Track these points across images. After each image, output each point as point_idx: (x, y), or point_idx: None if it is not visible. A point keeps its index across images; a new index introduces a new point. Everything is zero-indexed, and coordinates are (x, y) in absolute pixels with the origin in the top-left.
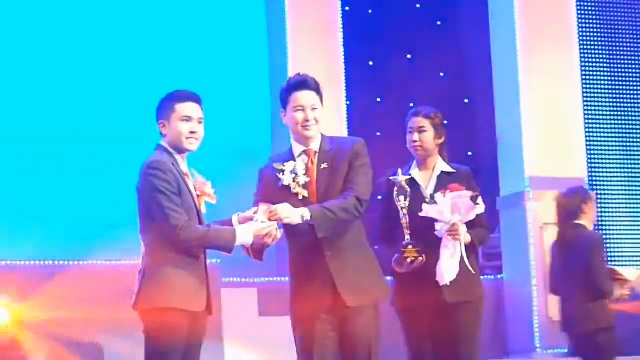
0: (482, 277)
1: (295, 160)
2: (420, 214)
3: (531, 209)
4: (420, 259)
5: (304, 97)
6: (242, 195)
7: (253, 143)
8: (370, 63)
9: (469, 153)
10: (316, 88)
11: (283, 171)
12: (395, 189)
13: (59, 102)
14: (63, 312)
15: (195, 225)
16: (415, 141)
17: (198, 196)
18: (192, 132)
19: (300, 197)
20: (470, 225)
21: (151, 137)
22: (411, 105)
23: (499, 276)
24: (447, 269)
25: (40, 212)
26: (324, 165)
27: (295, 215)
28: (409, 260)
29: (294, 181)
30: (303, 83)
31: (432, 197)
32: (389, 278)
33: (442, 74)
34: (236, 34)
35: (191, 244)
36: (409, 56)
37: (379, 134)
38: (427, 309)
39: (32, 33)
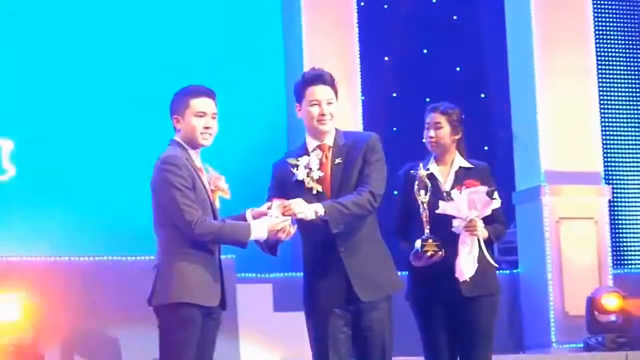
0: (498, 271)
1: (309, 155)
2: (437, 211)
3: (547, 203)
4: (440, 253)
5: (319, 91)
6: (257, 190)
7: (268, 138)
8: (386, 58)
9: (485, 147)
10: (331, 82)
11: (297, 166)
12: (416, 182)
13: (76, 99)
14: (78, 308)
15: (210, 220)
16: (432, 137)
17: (212, 191)
18: (206, 128)
19: (315, 192)
20: (486, 220)
21: (166, 132)
22: (427, 100)
23: (515, 271)
24: (466, 265)
25: (56, 207)
26: (338, 160)
27: (308, 210)
28: (428, 254)
29: (307, 176)
30: (318, 77)
31: (448, 193)
32: (404, 273)
33: (458, 69)
34: (252, 29)
35: (206, 238)
36: (425, 51)
37: (395, 129)
38: (443, 302)
39: (45, 26)
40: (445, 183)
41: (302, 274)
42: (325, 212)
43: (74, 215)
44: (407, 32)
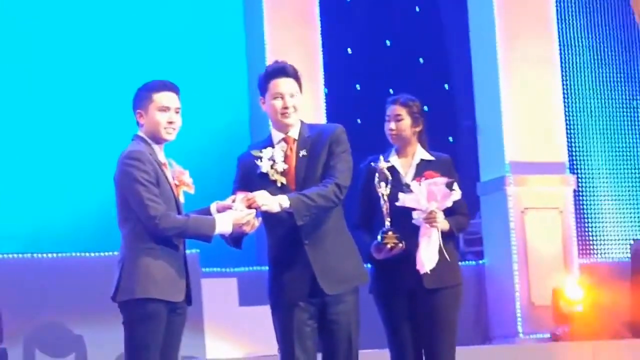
0: (463, 262)
1: (274, 148)
2: (397, 203)
3: (512, 194)
4: (400, 245)
5: (282, 84)
6: (221, 183)
7: (231, 131)
8: (349, 50)
9: (450, 139)
10: (295, 75)
11: (261, 158)
12: (377, 175)
13: (34, 95)
14: (41, 306)
15: (174, 215)
16: (392, 129)
17: (176, 186)
18: (169, 122)
19: (279, 185)
20: (448, 212)
21: (129, 128)
22: (391, 91)
23: (480, 262)
24: (427, 257)
25: (17, 205)
26: (302, 153)
27: (273, 202)
28: (388, 246)
29: (271, 168)
30: (281, 70)
31: (408, 185)
32: (367, 266)
33: (421, 60)
34: (213, 22)
35: (170, 233)
36: (387, 43)
37: (359, 121)
38: (406, 294)
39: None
40: (406, 175)
41: (267, 267)
42: (290, 204)
43: (36, 212)
44: (370, 23)
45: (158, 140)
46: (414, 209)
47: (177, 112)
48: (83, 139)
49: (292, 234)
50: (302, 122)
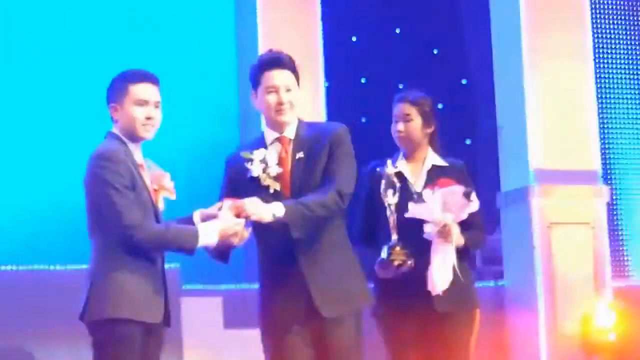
0: (479, 283)
1: (266, 148)
2: (406, 215)
3: (536, 206)
4: (409, 262)
5: (277, 76)
6: (207, 188)
7: (219, 130)
8: (354, 38)
9: (467, 141)
10: (292, 66)
11: (252, 160)
12: (383, 182)
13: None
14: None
15: (152, 224)
16: (400, 131)
17: (155, 190)
18: (148, 118)
19: (272, 191)
20: (463, 226)
21: (104, 126)
22: (400, 86)
23: (500, 283)
24: (440, 276)
25: None
26: (299, 155)
27: (265, 211)
28: (395, 263)
29: (264, 172)
30: (276, 60)
31: (419, 194)
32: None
33: (435, 51)
34: (199, 3)
35: (147, 245)
36: (397, 30)
37: (363, 120)
38: (414, 319)
39: None
40: (416, 183)
41: (257, 285)
42: (284, 213)
43: None
44: (377, 8)
45: (134, 138)
46: (425, 222)
47: (156, 107)
48: (50, 138)
49: (286, 247)
50: (299, 120)
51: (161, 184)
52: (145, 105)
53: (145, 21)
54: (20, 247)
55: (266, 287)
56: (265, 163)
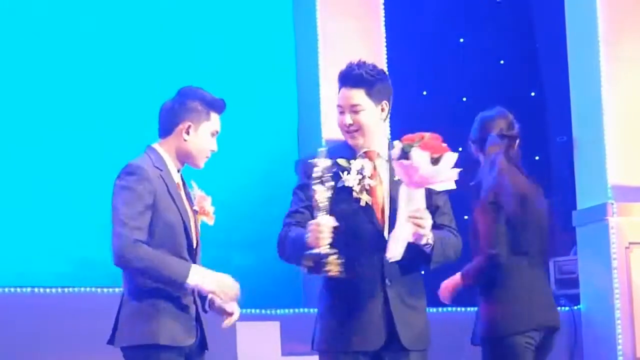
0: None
1: (355, 159)
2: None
3: (615, 225)
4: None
5: (343, 95)
6: (265, 199)
7: (276, 142)
8: (416, 49)
9: (537, 157)
10: (365, 84)
11: (349, 170)
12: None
13: (58, 102)
14: (43, 346)
15: (147, 247)
16: None
17: (196, 213)
18: (212, 151)
19: (363, 204)
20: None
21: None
22: (464, 99)
23: (576, 307)
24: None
25: (17, 233)
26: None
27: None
28: (330, 274)
29: (359, 183)
30: (345, 77)
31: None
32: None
33: (502, 62)
34: (256, 11)
35: (135, 265)
36: (461, 40)
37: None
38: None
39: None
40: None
41: (315, 309)
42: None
43: (30, 241)
44: (441, 17)
45: (185, 162)
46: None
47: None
48: (101, 156)
49: (373, 269)
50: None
51: (203, 207)
52: (215, 136)
53: (204, 33)
54: (66, 270)
55: (338, 309)
56: (362, 174)
